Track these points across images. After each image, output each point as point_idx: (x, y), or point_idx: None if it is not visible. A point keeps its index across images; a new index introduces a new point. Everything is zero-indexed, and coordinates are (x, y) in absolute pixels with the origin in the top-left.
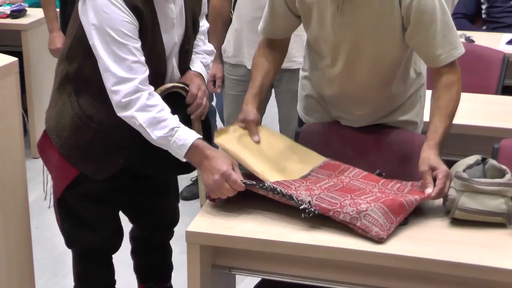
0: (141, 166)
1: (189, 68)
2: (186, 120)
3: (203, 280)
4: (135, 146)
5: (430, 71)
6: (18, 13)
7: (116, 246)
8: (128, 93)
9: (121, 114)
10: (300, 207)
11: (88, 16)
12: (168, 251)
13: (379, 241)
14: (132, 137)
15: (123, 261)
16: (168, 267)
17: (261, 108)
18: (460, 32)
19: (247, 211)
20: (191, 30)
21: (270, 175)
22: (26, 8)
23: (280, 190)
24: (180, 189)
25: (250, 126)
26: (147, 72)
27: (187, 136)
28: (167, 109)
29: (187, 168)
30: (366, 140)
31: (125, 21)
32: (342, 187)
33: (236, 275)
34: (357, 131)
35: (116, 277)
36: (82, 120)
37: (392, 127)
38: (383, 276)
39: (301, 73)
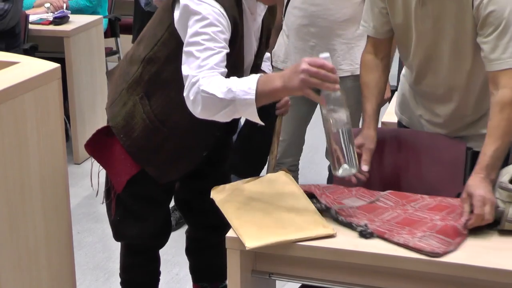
0: (244, 170)
1: (262, 71)
2: (271, 115)
3: (243, 286)
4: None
5: (488, 78)
6: (60, 19)
7: (163, 242)
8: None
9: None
10: (357, 230)
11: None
12: (222, 251)
13: (435, 255)
14: (200, 142)
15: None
16: (222, 268)
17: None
18: None
19: None
20: (264, 46)
21: (249, 242)
22: (69, 15)
23: (342, 219)
24: None
25: (367, 155)
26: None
27: (249, 78)
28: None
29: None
30: (414, 146)
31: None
32: (404, 218)
33: (277, 282)
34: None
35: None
36: (154, 123)
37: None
38: (425, 282)
39: (402, 72)
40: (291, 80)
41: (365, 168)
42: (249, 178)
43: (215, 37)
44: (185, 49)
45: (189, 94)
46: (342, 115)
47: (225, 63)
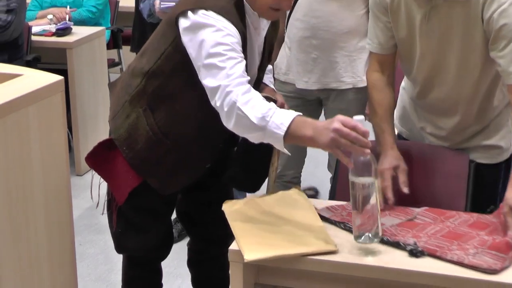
0: (244, 181)
1: (264, 83)
2: None
3: None
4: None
5: (509, 90)
6: (63, 31)
7: (164, 254)
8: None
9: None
10: (407, 249)
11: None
12: (224, 263)
13: (492, 272)
14: (203, 154)
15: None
16: (224, 280)
17: None
18: None
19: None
20: (266, 59)
21: (249, 254)
22: (72, 26)
23: (387, 239)
24: None
25: (405, 176)
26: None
27: (286, 114)
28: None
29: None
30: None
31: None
32: (449, 231)
33: None
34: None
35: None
36: (157, 136)
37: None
38: None
39: (401, 85)
40: (321, 135)
41: (406, 190)
42: (262, 194)
43: (234, 47)
44: (205, 61)
45: (223, 105)
46: (369, 180)
47: (245, 73)
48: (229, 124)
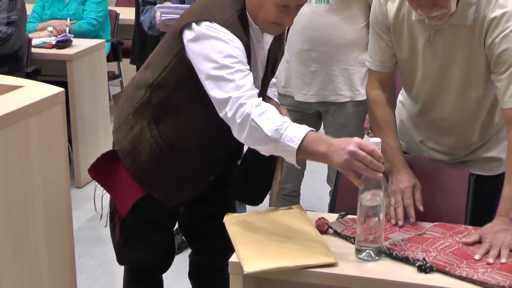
0: (247, 194)
1: (268, 97)
2: None
3: None
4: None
5: (504, 115)
6: (63, 43)
7: (167, 266)
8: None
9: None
10: (416, 265)
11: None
12: (225, 277)
13: None
14: (207, 167)
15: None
16: None
17: None
18: None
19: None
20: (270, 73)
21: (248, 266)
22: (72, 39)
23: (396, 254)
24: None
25: (419, 193)
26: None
27: (300, 128)
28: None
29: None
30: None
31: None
32: (458, 248)
33: None
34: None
35: None
36: (162, 148)
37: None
38: None
39: (398, 98)
40: (335, 154)
41: (421, 208)
42: (264, 209)
43: (241, 59)
44: (211, 74)
45: (235, 117)
46: (378, 200)
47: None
48: (241, 136)
